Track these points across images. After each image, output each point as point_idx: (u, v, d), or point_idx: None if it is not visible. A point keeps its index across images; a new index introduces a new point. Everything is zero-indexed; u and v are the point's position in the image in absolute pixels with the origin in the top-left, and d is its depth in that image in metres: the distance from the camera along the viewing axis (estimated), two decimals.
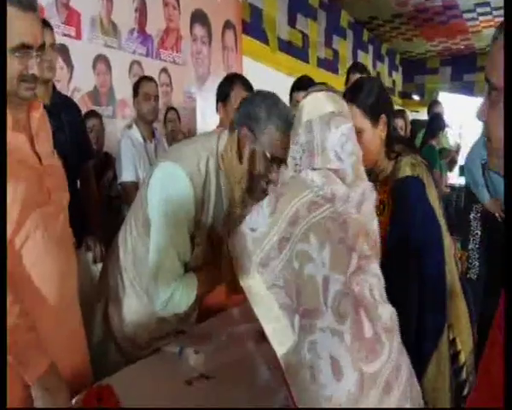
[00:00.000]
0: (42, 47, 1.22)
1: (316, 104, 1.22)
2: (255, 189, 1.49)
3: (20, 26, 1.15)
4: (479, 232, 4.24)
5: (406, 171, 1.51)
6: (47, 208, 1.30)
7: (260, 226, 1.16)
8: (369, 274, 1.08)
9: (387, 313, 1.09)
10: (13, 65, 1.16)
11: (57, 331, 1.32)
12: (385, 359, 1.01)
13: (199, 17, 4.50)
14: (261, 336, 1.71)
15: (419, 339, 1.41)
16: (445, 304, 1.48)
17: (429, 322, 1.44)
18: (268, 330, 1.13)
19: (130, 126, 3.02)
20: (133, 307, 1.64)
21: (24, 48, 1.17)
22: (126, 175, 2.85)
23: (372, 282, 1.08)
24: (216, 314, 2.01)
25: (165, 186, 1.46)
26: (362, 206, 1.17)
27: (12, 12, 1.13)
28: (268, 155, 1.43)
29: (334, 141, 1.17)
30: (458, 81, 9.49)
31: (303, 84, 2.75)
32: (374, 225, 1.21)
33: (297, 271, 1.06)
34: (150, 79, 3.15)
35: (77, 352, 1.44)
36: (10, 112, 1.20)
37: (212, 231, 1.57)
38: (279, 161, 1.43)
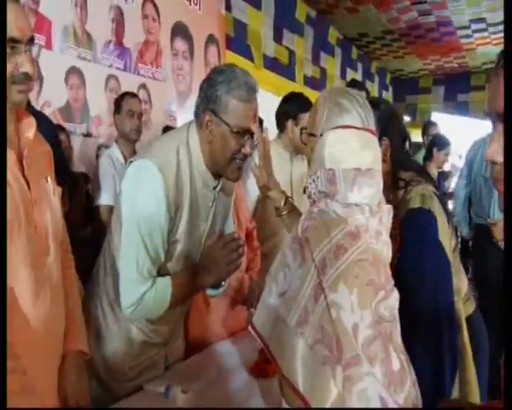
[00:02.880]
0: (31, 41, 1.16)
1: (342, 150, 1.18)
2: (230, 167, 1.55)
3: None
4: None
5: (416, 202, 1.51)
6: (34, 245, 1.22)
7: (291, 284, 1.13)
8: (392, 299, 1.12)
9: (399, 333, 1.13)
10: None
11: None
12: (410, 384, 1.07)
13: (180, 31, 4.51)
14: (253, 372, 1.73)
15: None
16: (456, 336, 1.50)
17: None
18: (305, 387, 1.08)
19: (106, 146, 2.98)
20: (113, 335, 1.63)
21: (11, 42, 1.10)
22: (104, 198, 2.81)
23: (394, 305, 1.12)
24: (202, 349, 1.99)
25: (136, 181, 1.50)
26: (381, 236, 1.17)
27: None
28: (235, 129, 1.48)
29: (356, 200, 1.16)
30: (452, 101, 9.70)
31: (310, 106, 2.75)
32: (389, 254, 1.22)
33: (335, 322, 1.06)
34: (134, 95, 3.16)
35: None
36: None
37: (192, 227, 1.58)
38: (249, 132, 1.52)
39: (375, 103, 1.59)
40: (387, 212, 1.22)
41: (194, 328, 2.12)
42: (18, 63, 1.12)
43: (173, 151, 1.51)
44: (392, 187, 1.60)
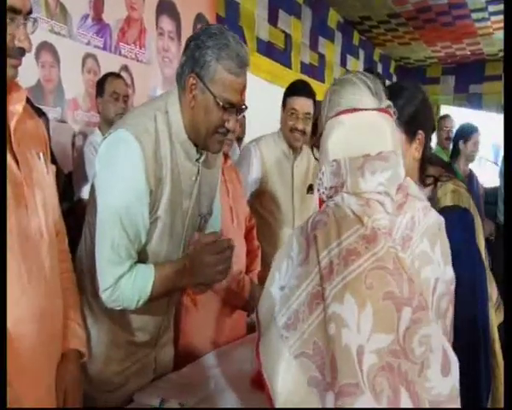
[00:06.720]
0: (30, 13, 1.15)
1: (346, 137, 1.15)
2: (211, 140, 1.56)
3: None
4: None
5: (449, 200, 1.50)
6: (26, 230, 1.19)
7: (290, 280, 1.10)
8: (430, 328, 1.05)
9: (447, 386, 1.05)
10: None
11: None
12: None
13: (166, 8, 4.47)
14: (254, 384, 1.70)
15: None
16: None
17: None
18: (285, 401, 1.04)
19: (84, 134, 2.98)
20: (93, 338, 1.62)
21: (11, 12, 1.10)
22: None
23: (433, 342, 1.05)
24: (196, 358, 1.98)
25: (110, 153, 1.50)
26: (410, 242, 1.10)
27: None
28: (221, 103, 1.48)
29: (369, 188, 1.12)
30: (463, 93, 9.71)
31: (298, 89, 2.77)
32: (426, 274, 1.11)
33: (332, 338, 1.00)
34: (118, 76, 3.18)
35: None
36: None
37: (174, 205, 1.58)
38: (236, 107, 1.53)
39: (397, 89, 1.57)
40: (423, 211, 1.14)
41: (185, 334, 2.12)
42: (15, 36, 1.12)
43: (150, 119, 1.51)
44: (421, 183, 1.58)
